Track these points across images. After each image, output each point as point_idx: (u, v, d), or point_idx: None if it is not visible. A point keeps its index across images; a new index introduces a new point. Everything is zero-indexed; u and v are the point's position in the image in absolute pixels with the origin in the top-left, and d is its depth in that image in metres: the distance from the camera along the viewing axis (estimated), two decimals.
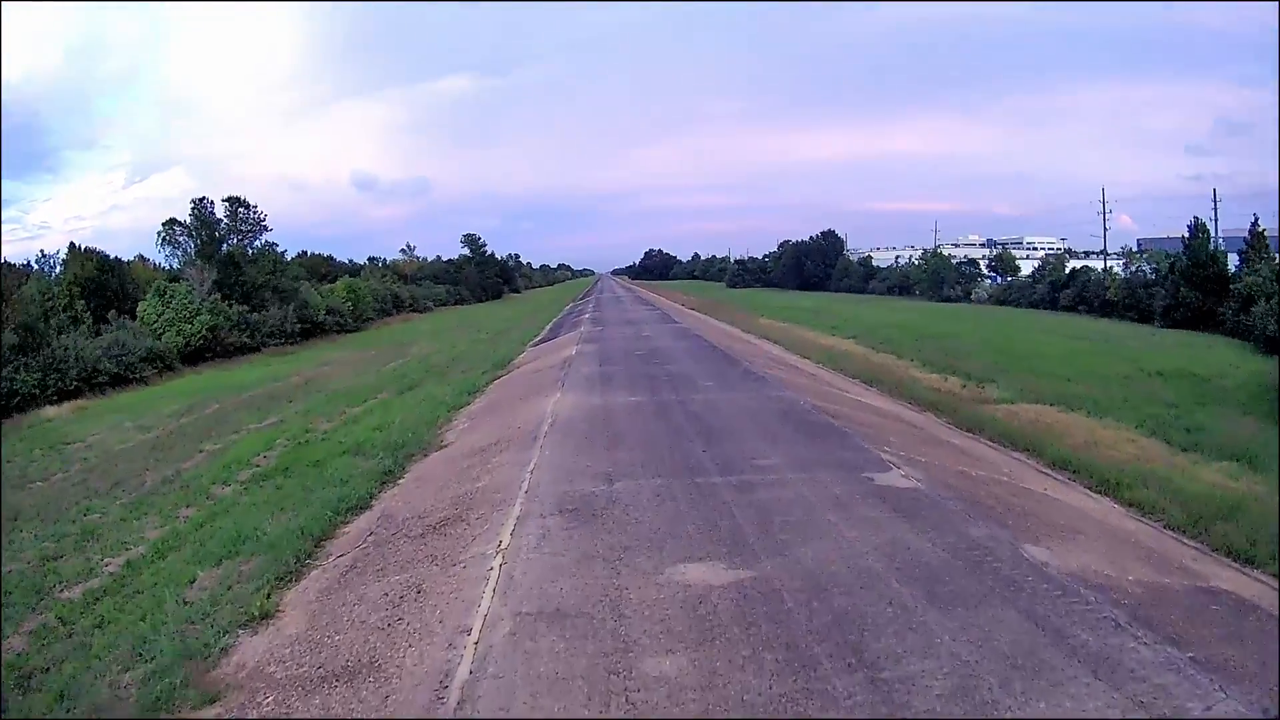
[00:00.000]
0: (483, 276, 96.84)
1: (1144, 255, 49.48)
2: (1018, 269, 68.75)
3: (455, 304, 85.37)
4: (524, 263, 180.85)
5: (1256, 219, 39.93)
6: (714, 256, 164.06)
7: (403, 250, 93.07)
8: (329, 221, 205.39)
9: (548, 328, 38.08)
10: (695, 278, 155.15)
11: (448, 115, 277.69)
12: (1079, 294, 49.75)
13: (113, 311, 36.70)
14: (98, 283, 38.80)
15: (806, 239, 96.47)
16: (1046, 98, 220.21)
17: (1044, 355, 26.28)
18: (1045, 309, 51.17)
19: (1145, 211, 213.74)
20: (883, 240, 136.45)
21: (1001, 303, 58.58)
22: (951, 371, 22.57)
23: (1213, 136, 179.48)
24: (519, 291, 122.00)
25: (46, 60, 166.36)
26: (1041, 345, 29.45)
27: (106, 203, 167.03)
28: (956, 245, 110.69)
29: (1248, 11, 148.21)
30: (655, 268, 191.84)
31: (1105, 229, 68.82)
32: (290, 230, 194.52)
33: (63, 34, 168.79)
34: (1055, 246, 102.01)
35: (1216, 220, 50.34)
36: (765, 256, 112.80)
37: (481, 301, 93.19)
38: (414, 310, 72.08)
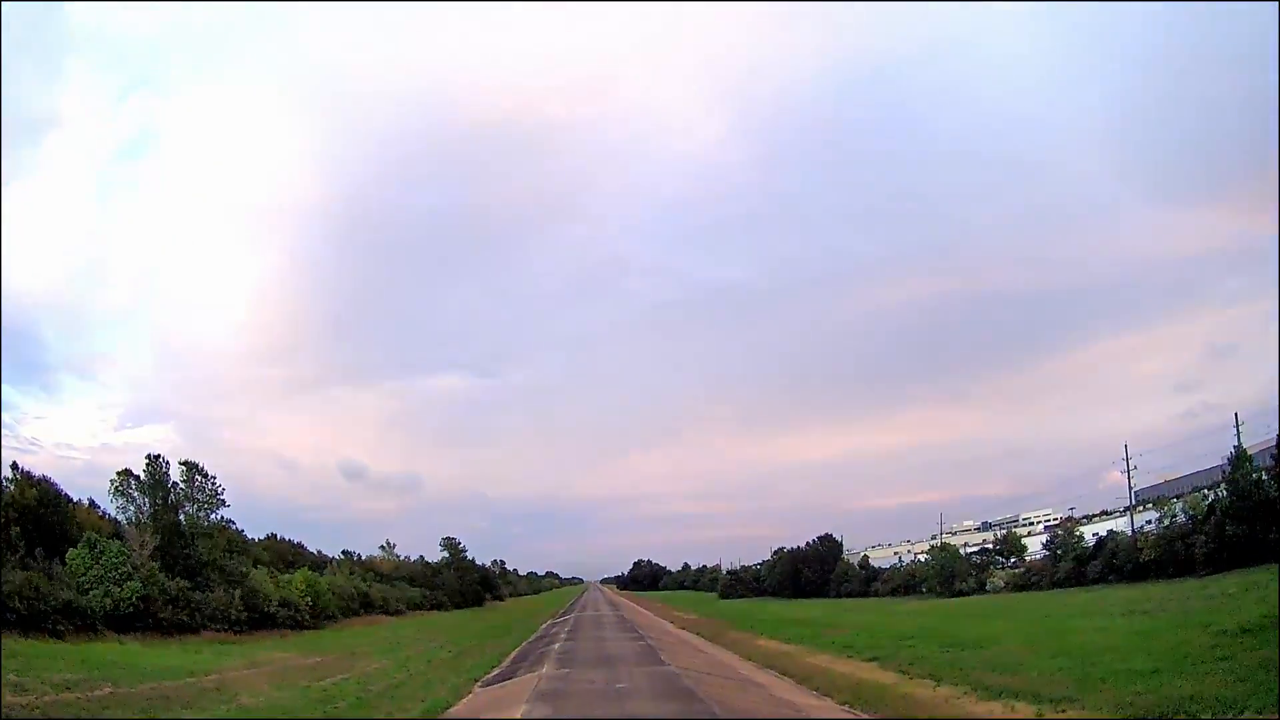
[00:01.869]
0: (462, 582, 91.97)
1: (1182, 502, 44.40)
2: (1025, 548, 64.50)
3: (431, 608, 79.87)
4: (509, 569, 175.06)
5: None
6: (704, 566, 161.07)
7: (381, 547, 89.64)
8: (317, 506, 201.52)
9: (510, 658, 33.61)
10: (685, 587, 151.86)
11: (438, 412, 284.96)
12: (1108, 563, 45.17)
13: (40, 550, 33.60)
14: (36, 515, 36.03)
15: (803, 545, 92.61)
16: (1028, 372, 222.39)
17: (1112, 648, 21.78)
18: (1072, 586, 46.26)
19: (1137, 463, 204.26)
20: (877, 536, 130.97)
21: (1021, 588, 53.15)
22: (1015, 695, 18.08)
23: (1200, 367, 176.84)
24: (501, 599, 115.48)
25: (50, 276, 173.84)
26: (1101, 636, 24.71)
27: (98, 440, 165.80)
28: (953, 534, 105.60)
29: (1226, 225, 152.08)
30: (644, 578, 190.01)
31: (1131, 487, 63.97)
32: (277, 509, 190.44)
33: (65, 253, 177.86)
34: (1052, 517, 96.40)
35: (1239, 446, 45.08)
36: (759, 564, 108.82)
37: (460, 608, 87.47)
38: (384, 612, 66.98)
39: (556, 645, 35.26)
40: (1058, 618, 32.28)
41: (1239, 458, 39.04)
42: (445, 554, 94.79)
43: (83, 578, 33.11)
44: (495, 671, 29.41)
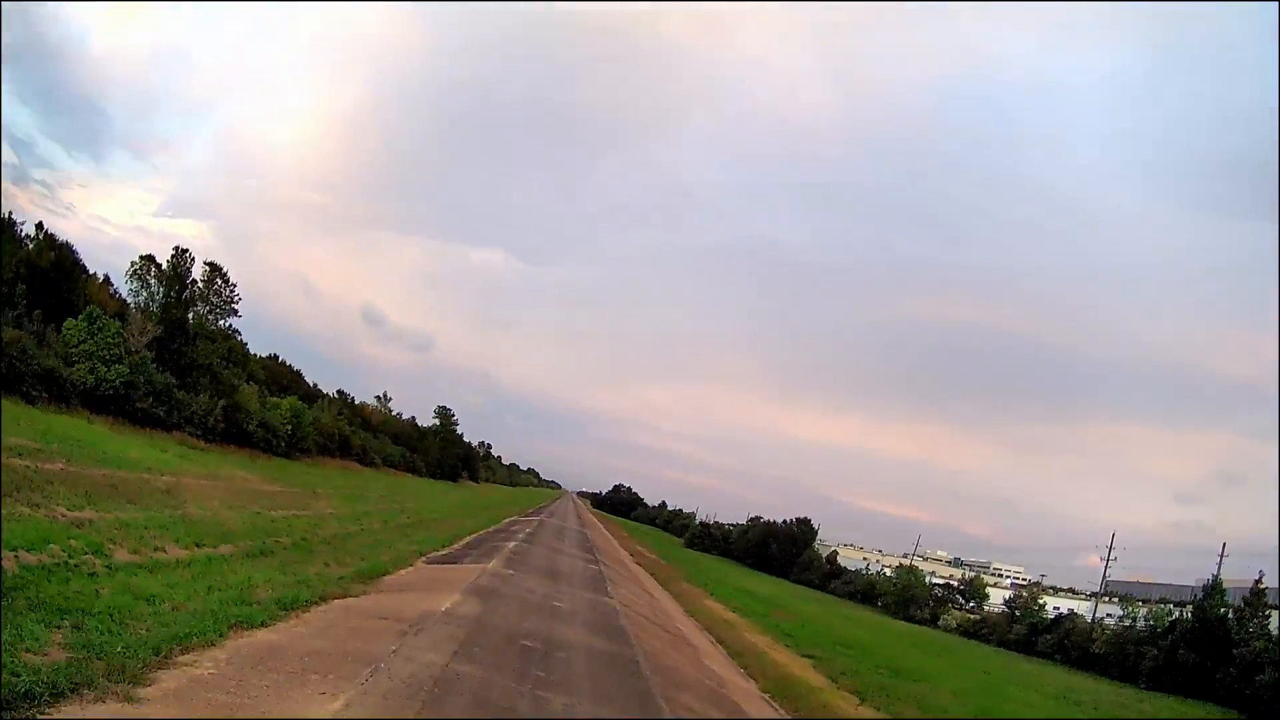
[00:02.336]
0: (443, 453, 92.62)
1: (1146, 610, 44.44)
2: (987, 595, 65.01)
3: (407, 470, 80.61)
4: (494, 455, 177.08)
5: (1262, 575, 37.77)
6: (680, 510, 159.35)
7: (377, 397, 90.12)
8: (327, 340, 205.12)
9: (463, 542, 33.08)
10: (655, 524, 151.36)
11: (470, 283, 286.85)
12: (1059, 641, 45.46)
13: (38, 312, 33.13)
14: (47, 277, 35.53)
15: (779, 521, 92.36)
16: (1040, 427, 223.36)
17: None
18: (1017, 650, 46.62)
19: (1117, 555, 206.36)
20: (850, 536, 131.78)
21: (970, 635, 53.31)
22: None
23: (1205, 485, 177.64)
24: (476, 481, 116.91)
25: (129, 53, 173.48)
26: (1029, 711, 24.65)
27: (133, 220, 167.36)
28: (924, 559, 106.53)
29: (1263, 356, 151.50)
30: (620, 503, 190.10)
31: (1104, 576, 64.05)
32: (285, 330, 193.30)
33: (148, 37, 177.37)
34: (1021, 576, 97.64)
35: (1218, 576, 44.61)
36: (731, 525, 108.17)
37: (434, 477, 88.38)
38: (360, 460, 67.40)
39: (511, 544, 34.68)
40: (995, 678, 31.78)
41: (1215, 587, 38.92)
42: (436, 421, 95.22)
43: (73, 350, 32.58)
44: (444, 551, 28.83)
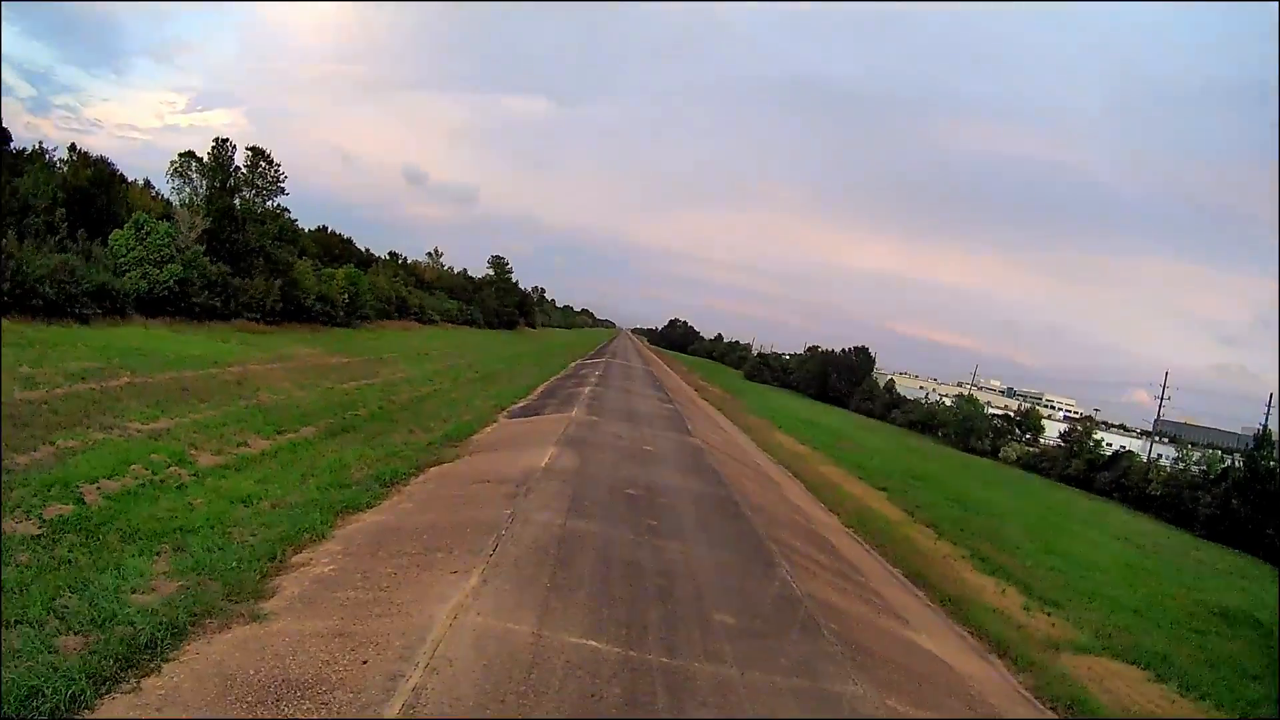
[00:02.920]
0: (500, 303, 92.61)
1: (1201, 453, 45.15)
2: (1042, 429, 64.95)
3: (465, 323, 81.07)
4: (548, 299, 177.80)
5: None
6: (736, 341, 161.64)
7: (429, 254, 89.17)
8: (370, 204, 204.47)
9: (538, 392, 32.91)
10: (713, 358, 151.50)
11: (511, 132, 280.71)
12: (1116, 479, 46.01)
13: (82, 231, 32.46)
14: (86, 195, 34.60)
15: (838, 351, 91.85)
16: (1092, 259, 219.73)
17: (1102, 567, 21.84)
18: (1075, 486, 47.63)
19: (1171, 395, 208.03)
20: (902, 364, 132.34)
21: (1028, 467, 54.26)
22: (1008, 578, 17.91)
23: (1248, 330, 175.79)
24: (534, 327, 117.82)
25: None
26: (1095, 551, 24.50)
27: (164, 120, 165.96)
28: (979, 388, 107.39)
29: None
30: (677, 339, 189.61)
31: (1159, 415, 65.48)
32: (329, 203, 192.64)
33: None
34: (1073, 409, 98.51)
35: (1266, 427, 45.91)
36: (789, 355, 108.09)
37: (492, 328, 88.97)
38: (418, 319, 67.65)
39: (586, 389, 34.56)
40: (1059, 514, 31.43)
41: (1263, 439, 38.43)
42: (490, 271, 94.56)
43: (122, 259, 31.91)
44: (522, 404, 28.78)
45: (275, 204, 44.57)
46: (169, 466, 14.19)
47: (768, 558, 12.84)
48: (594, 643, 8.00)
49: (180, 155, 41.82)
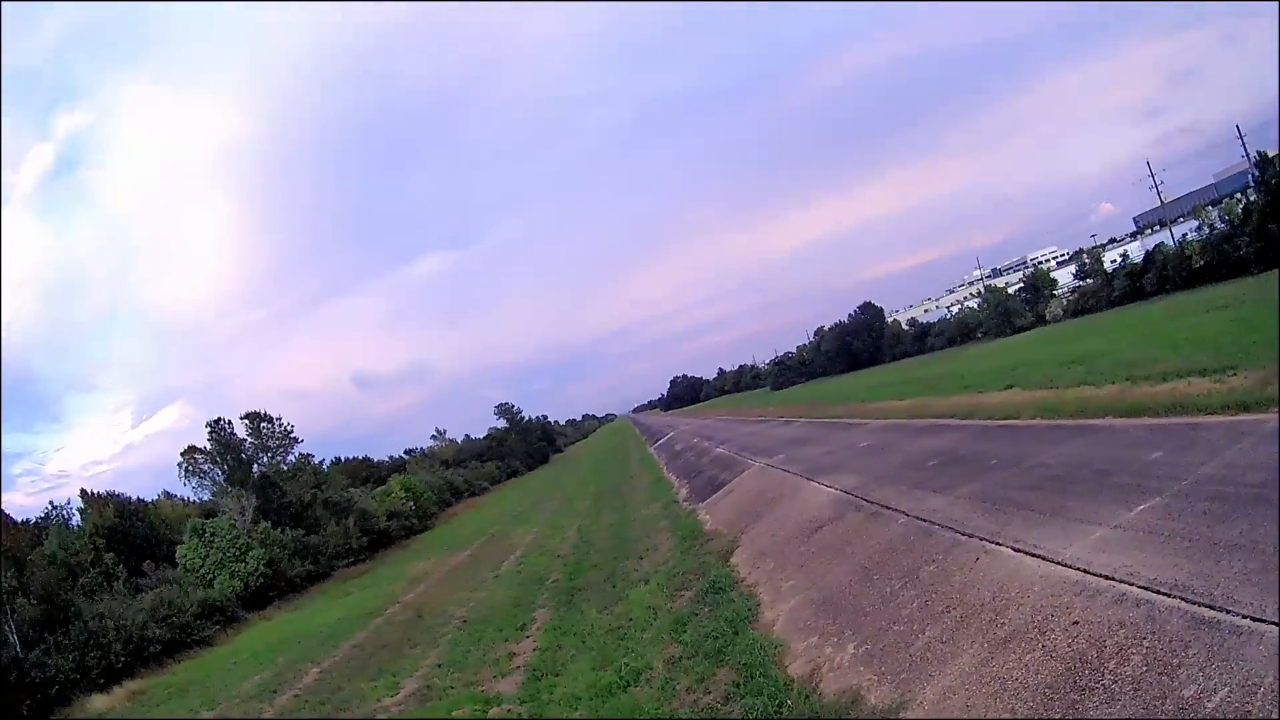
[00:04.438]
0: (526, 444, 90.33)
1: (1216, 208, 45.19)
2: (1055, 282, 63.50)
3: (507, 478, 78.58)
4: (552, 421, 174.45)
5: None
6: (742, 366, 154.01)
7: (433, 436, 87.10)
8: (340, 426, 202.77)
9: (685, 488, 30.17)
10: (726, 393, 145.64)
11: (427, 295, 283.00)
12: (1159, 274, 45.22)
13: (148, 562, 30.39)
14: (122, 530, 32.80)
15: (845, 319, 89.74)
16: (995, 113, 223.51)
17: (1225, 334, 19.20)
18: (1128, 302, 46.32)
19: (1123, 192, 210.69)
20: (897, 300, 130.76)
21: (1079, 313, 52.87)
22: (1178, 377, 15.39)
23: (1166, 93, 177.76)
24: (561, 451, 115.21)
25: (28, 307, 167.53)
26: (1198, 329, 22.12)
27: (119, 444, 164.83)
28: (968, 284, 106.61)
29: None
30: (684, 394, 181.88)
31: (1161, 199, 66.23)
32: (303, 448, 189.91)
33: (37, 278, 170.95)
34: (1060, 253, 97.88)
35: (1248, 156, 47.25)
36: (800, 348, 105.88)
37: (531, 470, 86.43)
38: (470, 495, 65.17)
39: (718, 449, 32.49)
40: (1145, 325, 29.40)
41: (1265, 160, 38.46)
42: (501, 421, 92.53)
43: (200, 569, 29.76)
44: (684, 491, 26.57)
45: (297, 455, 42.89)
46: (484, 704, 11.98)
47: None
48: None
49: (184, 454, 40.27)
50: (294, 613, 29.02)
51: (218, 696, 17.69)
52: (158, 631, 24.77)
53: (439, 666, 15.38)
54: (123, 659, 23.20)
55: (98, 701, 20.72)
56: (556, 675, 12.48)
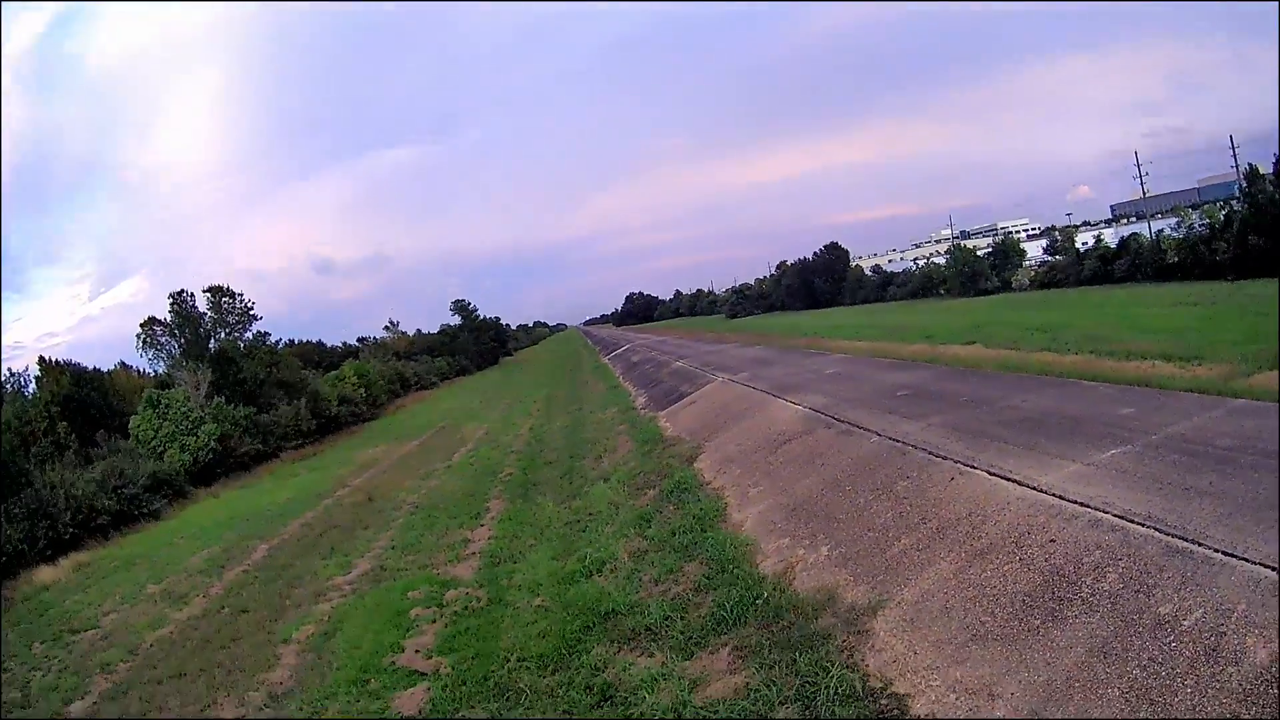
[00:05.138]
0: (479, 343, 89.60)
1: (1197, 209, 46.26)
2: (1024, 253, 63.88)
3: (458, 375, 78.13)
4: (505, 324, 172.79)
5: None
6: (699, 291, 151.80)
7: (387, 327, 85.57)
8: (294, 309, 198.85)
9: (644, 396, 30.29)
10: (681, 315, 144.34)
11: (395, 186, 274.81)
12: (1132, 263, 45.95)
13: (100, 431, 29.65)
14: (78, 400, 31.71)
15: (810, 256, 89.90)
16: (991, 85, 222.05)
17: (1193, 329, 19.07)
18: (1096, 284, 46.57)
19: (1103, 179, 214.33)
20: (859, 249, 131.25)
21: (1045, 286, 53.24)
22: (1142, 358, 15.59)
23: (1166, 93, 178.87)
24: (511, 355, 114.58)
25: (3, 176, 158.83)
26: (1166, 319, 22.33)
27: (76, 315, 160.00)
28: (935, 241, 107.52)
29: None
30: (638, 311, 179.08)
31: (1144, 189, 66.13)
32: (258, 325, 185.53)
33: (11, 146, 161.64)
34: (1031, 227, 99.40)
35: (1237, 166, 47.73)
36: (758, 281, 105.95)
37: (481, 369, 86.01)
38: (421, 387, 64.74)
39: (677, 363, 32.58)
40: (1111, 307, 29.76)
41: (1253, 174, 38.86)
42: (456, 318, 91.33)
43: (152, 441, 29.14)
44: (642, 400, 26.66)
45: (254, 332, 41.90)
46: (441, 586, 12.08)
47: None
48: None
49: (143, 325, 39.32)
50: (242, 490, 28.70)
51: (166, 570, 17.47)
52: (107, 503, 24.25)
53: (392, 548, 15.42)
54: (71, 530, 22.73)
55: (44, 574, 20.34)
56: (515, 562, 12.61)
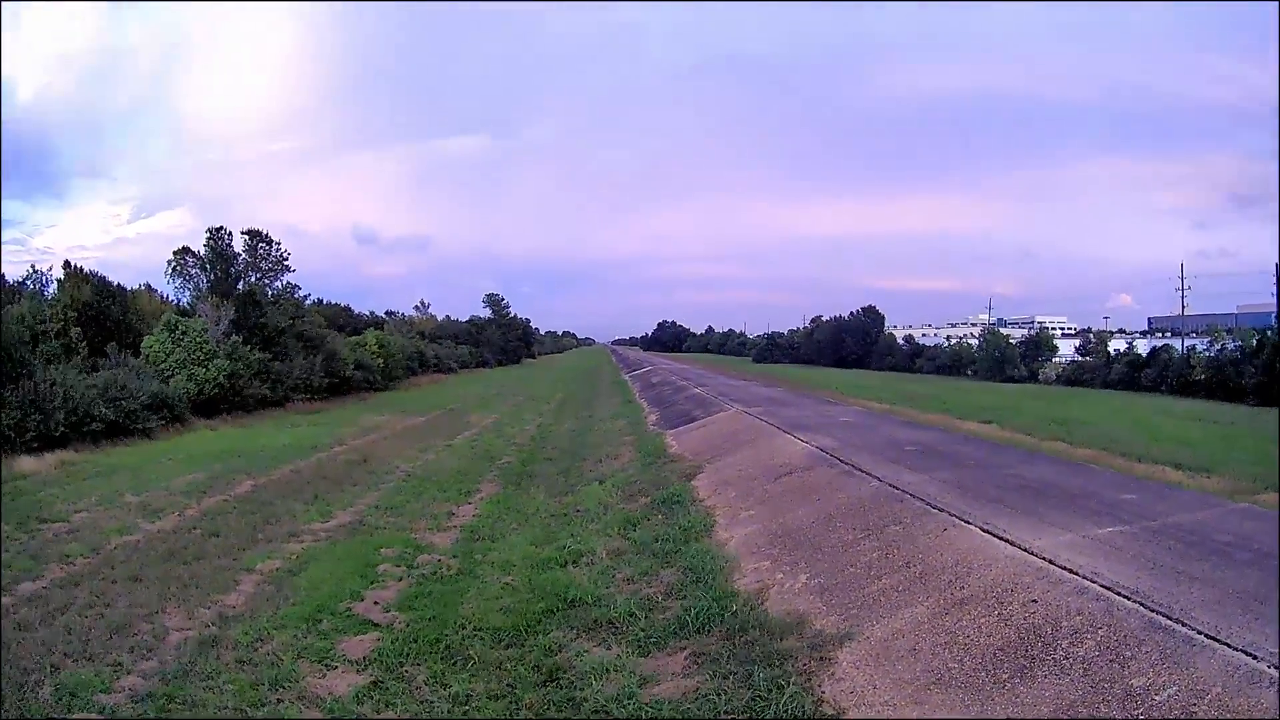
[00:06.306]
0: (504, 339, 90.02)
1: (1231, 333, 46.85)
2: (1056, 348, 64.75)
3: (478, 366, 78.42)
4: (534, 328, 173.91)
5: None
6: (731, 330, 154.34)
7: (417, 307, 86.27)
8: (328, 273, 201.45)
9: (656, 413, 30.30)
10: (709, 351, 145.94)
11: (453, 173, 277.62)
12: (1160, 373, 46.53)
13: (112, 344, 29.93)
14: (96, 309, 32.03)
15: (846, 315, 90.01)
16: (1049, 173, 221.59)
17: (1208, 442, 19.31)
18: (1120, 389, 47.05)
19: (1145, 290, 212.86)
20: (894, 318, 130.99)
21: (1072, 382, 53.41)
22: (1154, 462, 15.50)
23: (1222, 210, 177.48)
24: (534, 358, 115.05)
25: (59, 84, 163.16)
26: (1183, 431, 22.43)
27: (111, 235, 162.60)
28: (970, 324, 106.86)
29: (1256, 81, 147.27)
30: (668, 339, 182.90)
31: (1184, 305, 65.76)
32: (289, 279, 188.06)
33: (76, 60, 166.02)
34: (1068, 326, 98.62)
35: (1278, 295, 47.56)
36: (790, 331, 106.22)
37: (502, 365, 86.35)
38: (438, 370, 65.01)
39: (695, 390, 32.45)
40: (1131, 412, 29.48)
41: None
42: (487, 310, 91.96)
43: (162, 365, 29.40)
44: (653, 417, 26.53)
45: (284, 282, 42.25)
46: (414, 549, 11.98)
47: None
48: None
49: (176, 253, 39.62)
50: (240, 430, 28.81)
51: (148, 485, 17.47)
52: (103, 411, 24.39)
53: (376, 508, 15.35)
54: (62, 428, 22.84)
55: (26, 463, 20.47)
56: (493, 541, 12.50)
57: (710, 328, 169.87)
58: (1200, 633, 5.67)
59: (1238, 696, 4.78)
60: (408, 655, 7.97)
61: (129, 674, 7.50)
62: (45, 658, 7.66)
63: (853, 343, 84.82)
